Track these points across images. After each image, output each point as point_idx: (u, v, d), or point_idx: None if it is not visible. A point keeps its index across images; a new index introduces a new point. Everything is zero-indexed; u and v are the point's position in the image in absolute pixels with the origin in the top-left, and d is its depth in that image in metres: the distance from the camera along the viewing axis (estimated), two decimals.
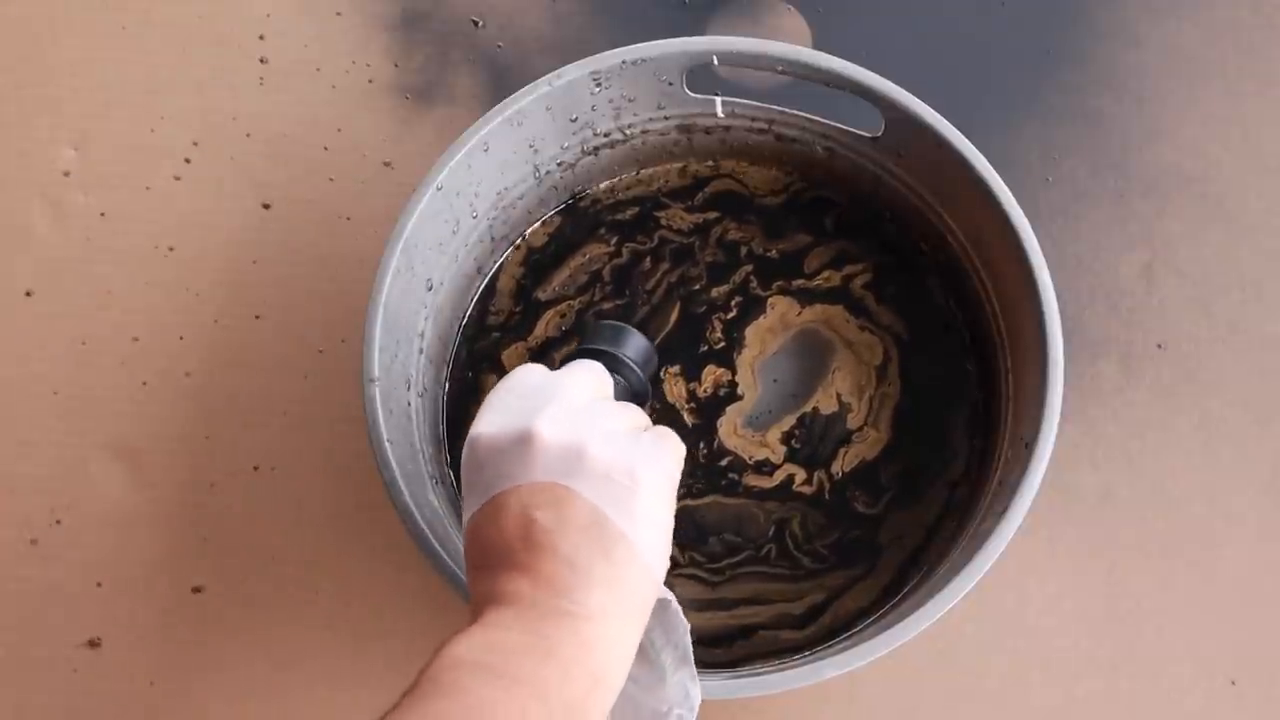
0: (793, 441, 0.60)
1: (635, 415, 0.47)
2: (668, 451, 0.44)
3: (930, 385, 0.61)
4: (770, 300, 0.62)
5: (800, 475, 0.59)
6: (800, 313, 0.62)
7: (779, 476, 0.59)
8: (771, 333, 0.62)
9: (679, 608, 0.44)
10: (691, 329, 0.62)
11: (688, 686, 0.45)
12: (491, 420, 0.44)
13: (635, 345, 0.53)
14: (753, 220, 0.64)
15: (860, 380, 0.61)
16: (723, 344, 0.62)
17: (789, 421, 0.60)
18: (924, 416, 0.60)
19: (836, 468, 0.59)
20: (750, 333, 0.62)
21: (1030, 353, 0.54)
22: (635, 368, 0.52)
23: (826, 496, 0.59)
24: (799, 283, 0.63)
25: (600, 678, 0.39)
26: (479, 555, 0.42)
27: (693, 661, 0.45)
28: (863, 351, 0.61)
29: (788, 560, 0.58)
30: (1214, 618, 0.61)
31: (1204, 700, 0.59)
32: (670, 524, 0.43)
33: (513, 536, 0.41)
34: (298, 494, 0.63)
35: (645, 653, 0.45)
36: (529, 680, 0.37)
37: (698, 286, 0.63)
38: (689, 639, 0.44)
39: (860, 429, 0.60)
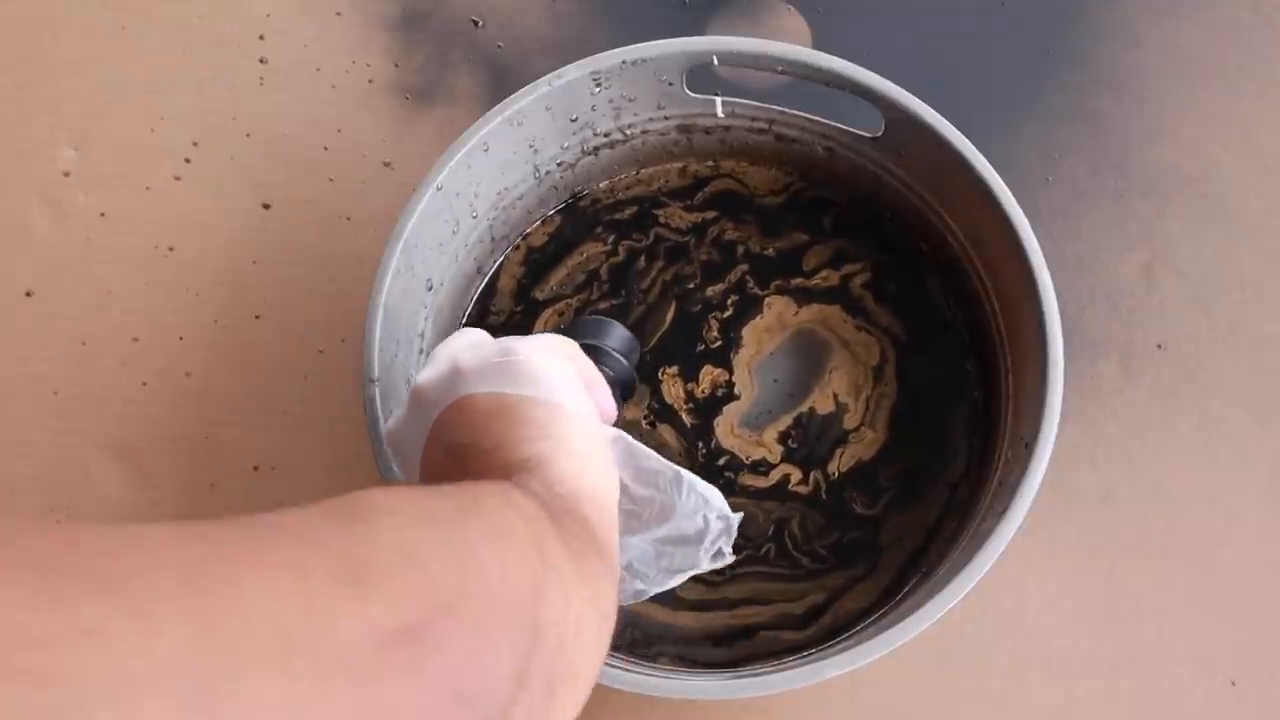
0: (789, 441, 0.60)
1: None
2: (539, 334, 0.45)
3: (929, 385, 0.61)
4: (767, 300, 0.62)
5: (796, 475, 0.59)
6: (797, 312, 0.62)
7: (775, 476, 0.59)
8: (769, 332, 0.62)
9: (631, 438, 0.44)
10: (688, 328, 0.62)
11: (700, 492, 0.45)
12: (395, 413, 0.45)
13: (617, 335, 0.53)
14: (750, 220, 0.64)
15: (857, 380, 0.61)
16: (719, 343, 0.62)
17: (786, 421, 0.60)
18: (923, 416, 0.60)
19: (833, 468, 0.60)
20: (747, 332, 0.62)
21: (1030, 352, 0.54)
22: (619, 356, 0.53)
23: (823, 496, 0.59)
24: (797, 281, 0.63)
25: (577, 510, 0.38)
26: None
27: (687, 470, 0.45)
28: (860, 351, 0.61)
29: (787, 560, 0.58)
30: (1214, 618, 0.61)
31: (1204, 700, 0.59)
32: (567, 371, 0.42)
33: (448, 470, 0.41)
34: (298, 494, 0.63)
35: (641, 496, 0.45)
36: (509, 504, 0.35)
37: (692, 285, 0.63)
38: (661, 458, 0.45)
39: (857, 429, 0.60)
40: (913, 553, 0.58)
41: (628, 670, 0.51)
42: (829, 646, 0.55)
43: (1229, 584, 0.61)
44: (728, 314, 0.62)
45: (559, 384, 0.41)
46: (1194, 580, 0.61)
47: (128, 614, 0.19)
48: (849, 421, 0.60)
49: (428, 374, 0.43)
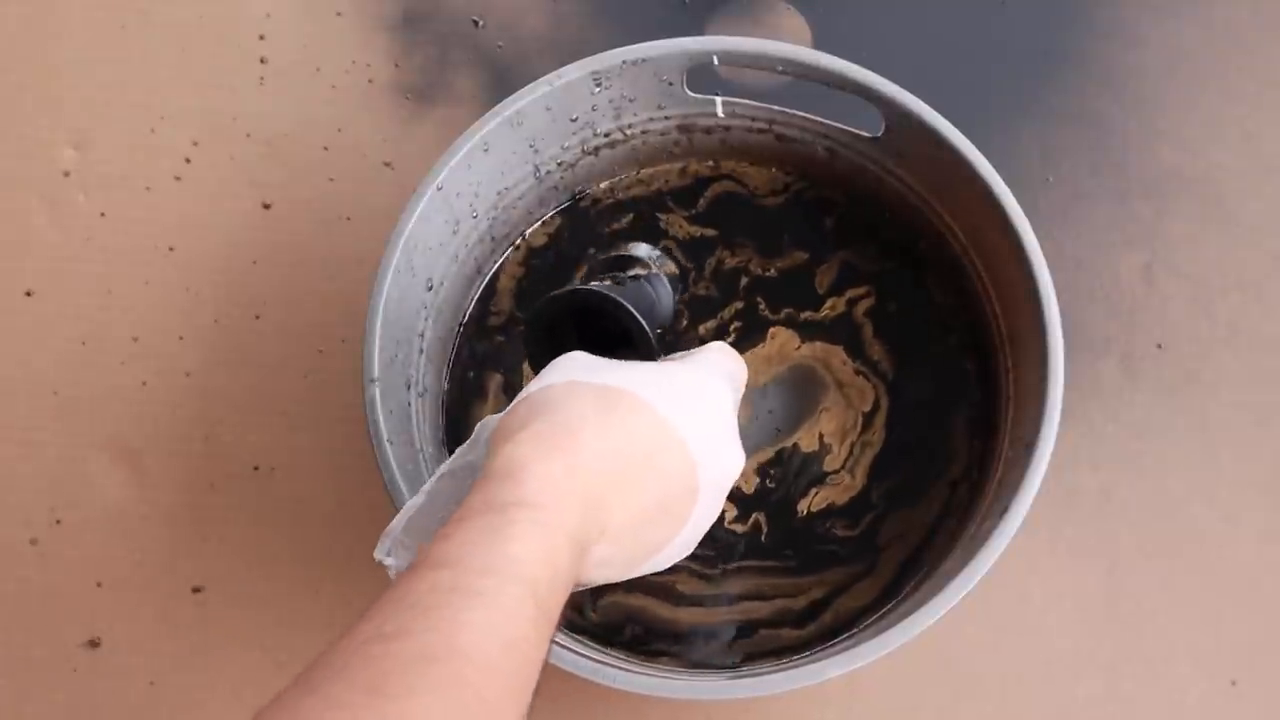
0: (767, 480, 0.60)
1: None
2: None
3: (930, 385, 0.61)
4: (772, 330, 0.62)
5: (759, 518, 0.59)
6: (799, 346, 0.62)
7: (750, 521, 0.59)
8: (768, 362, 0.61)
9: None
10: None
11: None
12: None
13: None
14: (749, 238, 0.63)
15: (845, 424, 0.60)
16: None
17: (769, 453, 0.60)
18: (922, 417, 0.60)
19: (803, 506, 0.59)
20: (747, 359, 0.61)
21: (1030, 353, 0.54)
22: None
23: (786, 548, 0.59)
24: (806, 315, 0.62)
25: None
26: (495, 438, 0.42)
27: None
28: (853, 396, 0.61)
29: (784, 556, 0.58)
30: (1214, 618, 0.61)
31: (1204, 700, 0.60)
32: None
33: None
34: (298, 494, 0.63)
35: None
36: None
37: (708, 318, 0.62)
38: None
39: (836, 472, 0.60)
40: (913, 551, 0.58)
41: (628, 670, 0.51)
42: (829, 646, 0.55)
43: (1229, 584, 0.61)
44: (730, 339, 0.62)
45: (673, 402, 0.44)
46: (1194, 580, 0.61)
47: None
48: (830, 464, 0.60)
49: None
